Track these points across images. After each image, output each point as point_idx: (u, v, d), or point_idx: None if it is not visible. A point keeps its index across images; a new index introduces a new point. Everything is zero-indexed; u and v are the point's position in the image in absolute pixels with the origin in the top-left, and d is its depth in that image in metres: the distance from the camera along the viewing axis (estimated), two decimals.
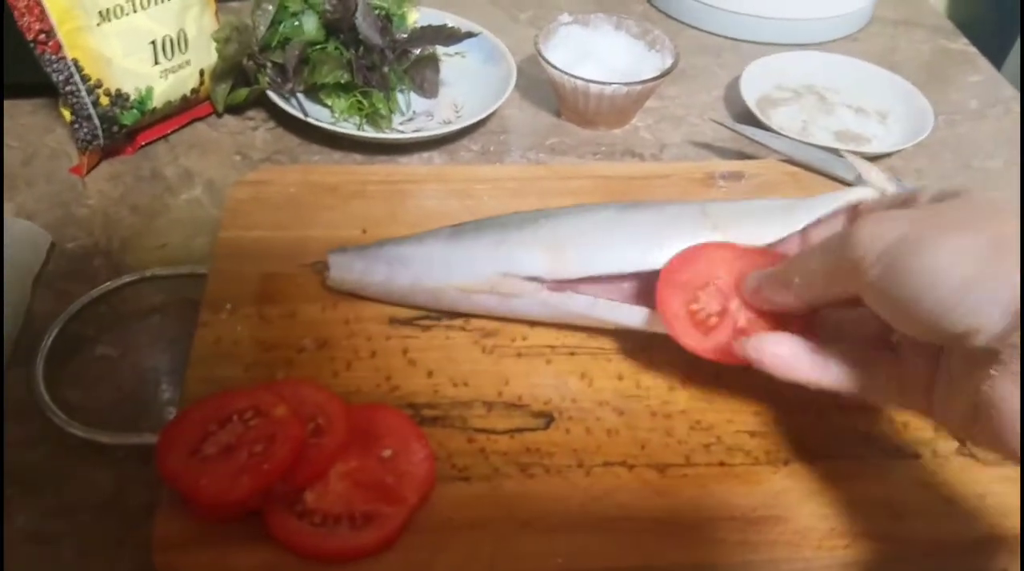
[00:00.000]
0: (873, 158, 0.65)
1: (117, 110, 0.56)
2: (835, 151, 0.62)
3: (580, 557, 0.37)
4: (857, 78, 0.73)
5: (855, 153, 0.63)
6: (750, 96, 0.68)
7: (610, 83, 0.62)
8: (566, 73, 0.63)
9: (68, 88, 0.54)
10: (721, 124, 0.64)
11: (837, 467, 0.41)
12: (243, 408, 0.38)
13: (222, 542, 0.36)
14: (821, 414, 0.44)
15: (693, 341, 0.41)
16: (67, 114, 0.56)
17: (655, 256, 0.43)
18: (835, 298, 0.37)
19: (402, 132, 0.63)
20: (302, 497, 0.37)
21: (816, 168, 0.61)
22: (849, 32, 0.85)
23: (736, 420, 0.43)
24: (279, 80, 0.62)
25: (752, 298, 0.41)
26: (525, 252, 0.45)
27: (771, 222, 0.45)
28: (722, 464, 0.41)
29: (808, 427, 0.43)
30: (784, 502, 0.40)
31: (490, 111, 0.64)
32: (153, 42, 0.57)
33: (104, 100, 0.56)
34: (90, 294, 0.46)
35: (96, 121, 0.56)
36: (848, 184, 0.60)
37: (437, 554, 0.37)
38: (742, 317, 0.41)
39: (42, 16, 0.52)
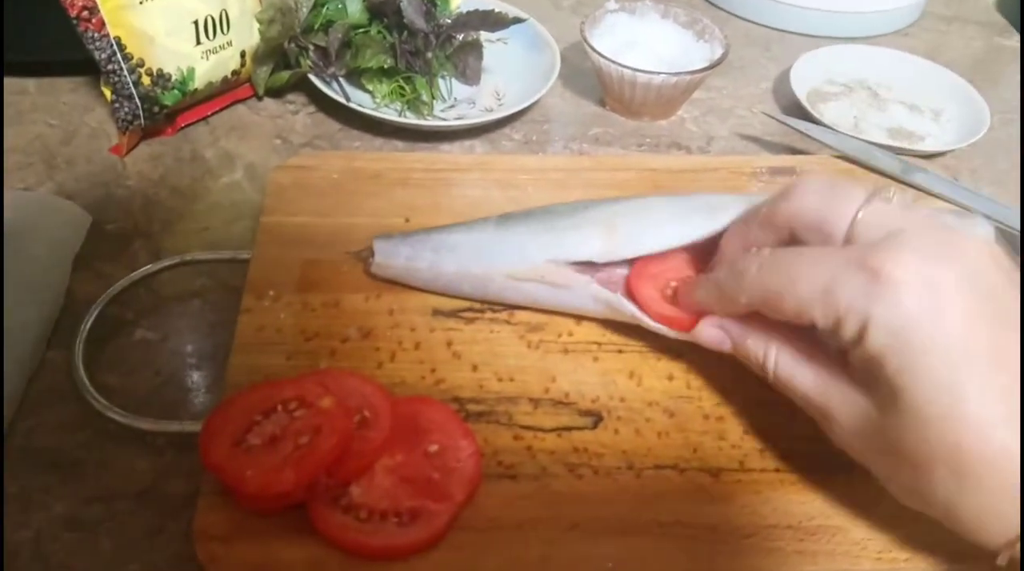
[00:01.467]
0: (927, 157, 0.63)
1: (158, 90, 0.55)
2: (889, 148, 0.60)
3: (630, 562, 0.36)
4: (910, 74, 0.71)
5: (909, 151, 0.62)
6: (800, 89, 0.66)
7: (658, 73, 0.60)
8: (613, 62, 0.61)
9: (110, 67, 0.53)
10: (772, 118, 0.62)
11: None
12: (288, 398, 0.37)
13: (265, 535, 0.35)
14: None
15: (670, 311, 0.42)
16: (108, 93, 0.55)
17: (710, 227, 0.42)
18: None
19: (444, 119, 0.62)
20: (347, 491, 0.36)
21: (871, 165, 0.59)
22: (899, 27, 0.82)
23: (792, 425, 0.41)
24: (321, 63, 0.60)
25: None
26: (576, 233, 0.44)
27: None
28: (777, 470, 0.40)
29: None
30: (842, 512, 0.38)
31: (533, 100, 0.62)
32: (195, 22, 0.56)
33: (145, 80, 0.55)
34: (130, 277, 0.45)
35: (137, 101, 0.55)
36: (901, 181, 0.58)
37: (484, 553, 0.36)
38: None
39: None
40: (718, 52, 0.64)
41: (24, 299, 0.45)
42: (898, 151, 0.61)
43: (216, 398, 0.42)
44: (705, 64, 0.63)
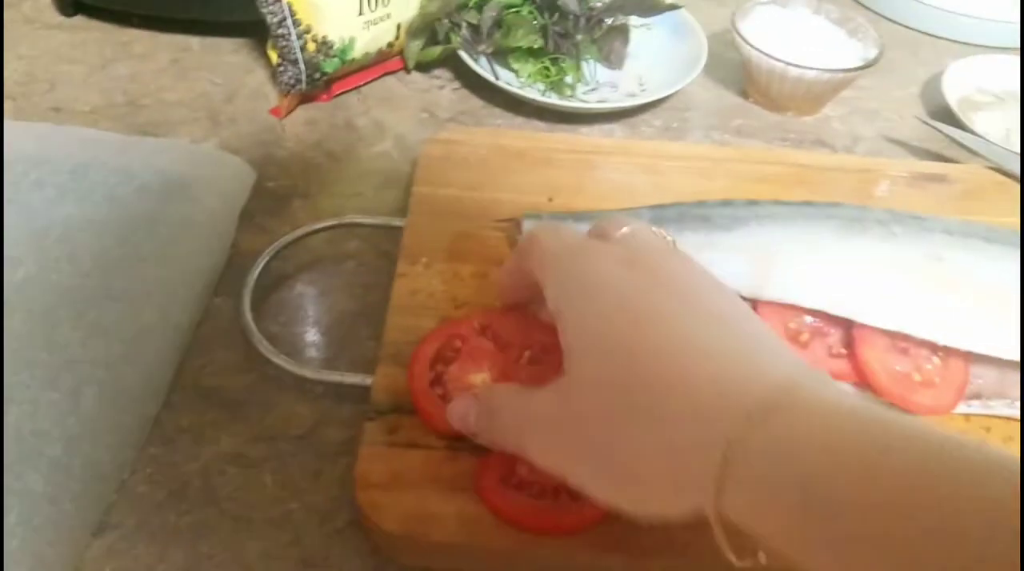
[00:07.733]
0: None
1: (321, 57, 0.58)
2: None
3: None
4: None
5: None
6: (952, 96, 0.64)
7: (812, 68, 0.60)
8: (766, 54, 0.60)
9: (280, 31, 0.56)
10: (927, 123, 0.61)
11: None
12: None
13: (421, 487, 0.37)
14: None
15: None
16: (274, 56, 0.58)
17: (870, 311, 0.41)
18: None
19: (586, 102, 0.62)
20: (515, 471, 0.36)
21: None
22: None
23: None
24: (471, 40, 0.62)
25: None
26: (727, 256, 0.43)
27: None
28: None
29: None
30: None
31: (678, 87, 0.62)
32: None
33: (311, 46, 0.57)
34: (294, 233, 0.48)
35: (301, 66, 0.57)
36: None
37: (635, 528, 0.36)
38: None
39: None
40: (871, 52, 0.62)
41: (195, 247, 0.48)
42: None
43: (371, 354, 0.44)
44: (857, 63, 0.61)
